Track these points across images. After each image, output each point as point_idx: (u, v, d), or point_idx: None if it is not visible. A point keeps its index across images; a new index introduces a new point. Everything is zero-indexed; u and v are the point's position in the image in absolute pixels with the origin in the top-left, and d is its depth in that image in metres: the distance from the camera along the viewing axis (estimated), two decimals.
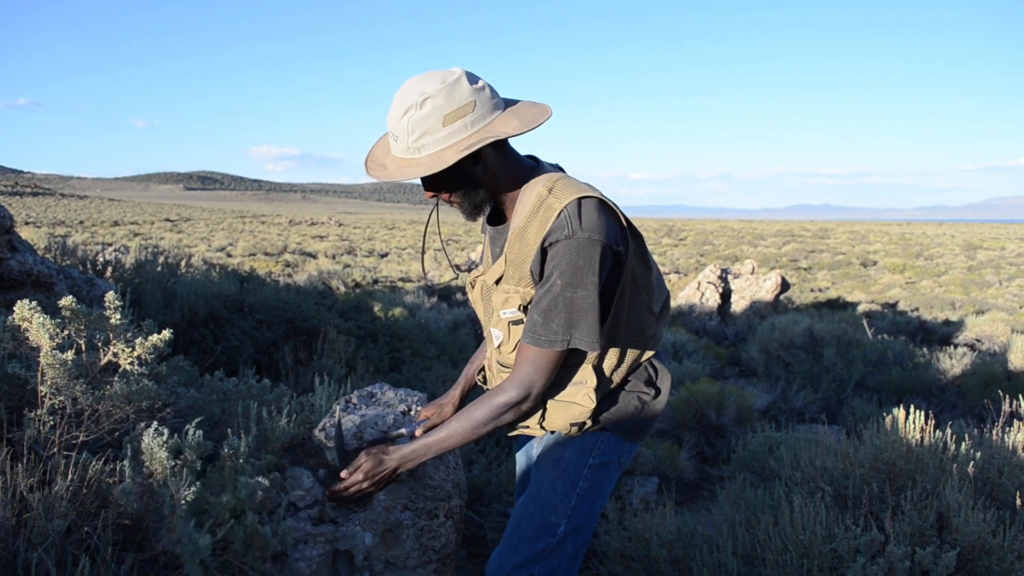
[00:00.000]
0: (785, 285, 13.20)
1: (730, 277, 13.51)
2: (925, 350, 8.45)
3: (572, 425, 2.05)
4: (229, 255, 26.42)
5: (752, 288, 12.93)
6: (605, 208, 1.87)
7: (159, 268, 6.38)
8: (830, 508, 2.87)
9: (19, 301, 2.21)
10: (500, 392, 1.96)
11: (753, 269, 13.89)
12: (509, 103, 1.93)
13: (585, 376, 2.02)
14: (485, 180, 1.95)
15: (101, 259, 6.25)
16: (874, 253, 35.25)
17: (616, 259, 1.88)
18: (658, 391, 2.11)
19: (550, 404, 2.05)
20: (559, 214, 1.83)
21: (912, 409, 3.27)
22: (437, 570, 2.39)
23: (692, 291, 12.96)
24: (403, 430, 2.35)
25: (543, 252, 1.87)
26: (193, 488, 1.86)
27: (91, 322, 2.27)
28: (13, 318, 2.24)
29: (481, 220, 2.10)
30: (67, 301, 2.23)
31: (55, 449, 2.05)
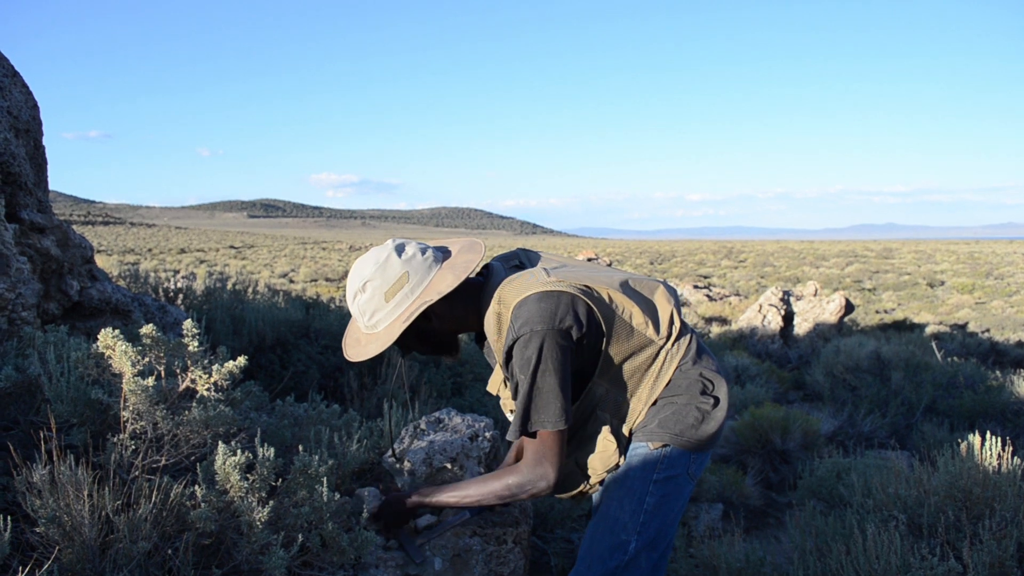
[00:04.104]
0: (849, 307, 12.92)
1: (792, 299, 13.28)
2: (998, 373, 8.19)
3: (609, 469, 2.16)
4: (292, 281, 26.93)
5: (815, 310, 12.69)
6: (547, 296, 1.97)
7: (227, 295, 6.54)
8: (904, 537, 2.80)
9: (103, 329, 2.29)
10: (516, 472, 2.08)
11: (816, 291, 13.64)
12: (445, 254, 2.17)
13: (598, 425, 2.15)
14: (447, 326, 2.17)
15: (172, 286, 6.44)
16: (941, 273, 34.22)
17: (565, 335, 1.97)
18: (716, 400, 2.15)
19: (589, 462, 2.17)
20: (509, 322, 2.01)
21: (988, 435, 3.18)
22: None
23: (753, 314, 12.78)
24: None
25: (508, 357, 2.02)
26: (270, 504, 1.92)
27: (170, 349, 2.35)
28: (96, 346, 2.32)
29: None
30: (148, 329, 2.31)
31: (137, 473, 2.12)
